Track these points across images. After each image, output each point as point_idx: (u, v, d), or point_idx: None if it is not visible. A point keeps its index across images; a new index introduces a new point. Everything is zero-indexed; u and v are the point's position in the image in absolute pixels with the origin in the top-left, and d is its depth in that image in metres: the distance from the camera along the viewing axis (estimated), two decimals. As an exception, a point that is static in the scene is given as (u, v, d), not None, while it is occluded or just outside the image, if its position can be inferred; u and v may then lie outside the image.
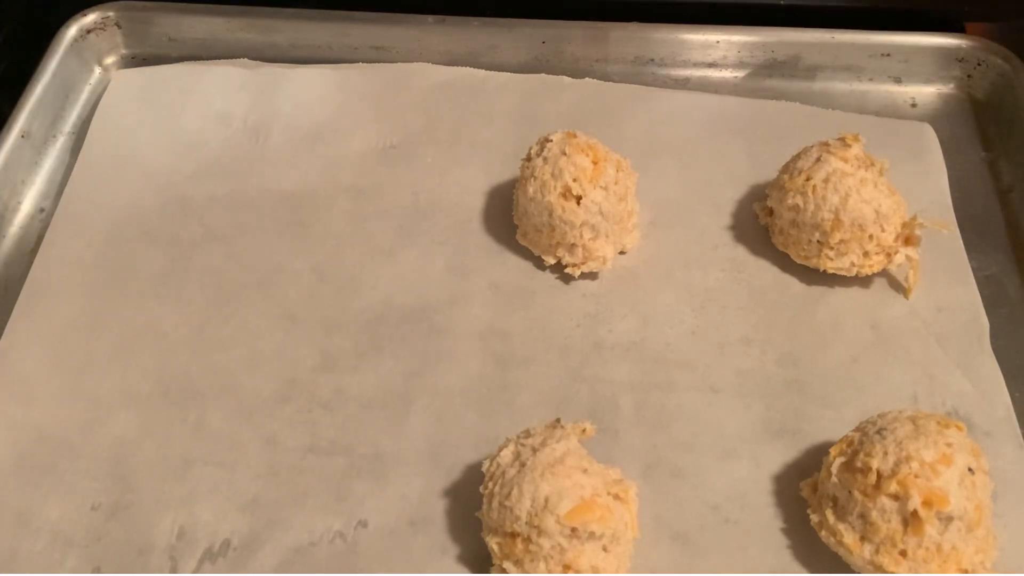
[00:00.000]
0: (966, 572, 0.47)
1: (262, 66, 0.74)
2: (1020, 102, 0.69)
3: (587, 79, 0.73)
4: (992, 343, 0.58)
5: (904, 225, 0.59)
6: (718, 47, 0.75)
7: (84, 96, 0.75)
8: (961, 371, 0.57)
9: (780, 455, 0.54)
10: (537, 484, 0.47)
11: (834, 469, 0.49)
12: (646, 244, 0.63)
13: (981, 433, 0.54)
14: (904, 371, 0.57)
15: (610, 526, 0.47)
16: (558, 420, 0.52)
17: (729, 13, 0.76)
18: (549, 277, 0.62)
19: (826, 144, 0.61)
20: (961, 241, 0.63)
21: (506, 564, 0.48)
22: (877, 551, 0.47)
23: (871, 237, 0.58)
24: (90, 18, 0.76)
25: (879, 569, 0.47)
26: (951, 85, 0.74)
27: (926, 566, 0.47)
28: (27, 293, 0.62)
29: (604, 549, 0.48)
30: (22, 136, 0.69)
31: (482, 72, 0.74)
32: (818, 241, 0.59)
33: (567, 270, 0.61)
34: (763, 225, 0.64)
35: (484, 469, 0.50)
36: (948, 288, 0.61)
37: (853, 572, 0.49)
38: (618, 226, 0.61)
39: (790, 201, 0.60)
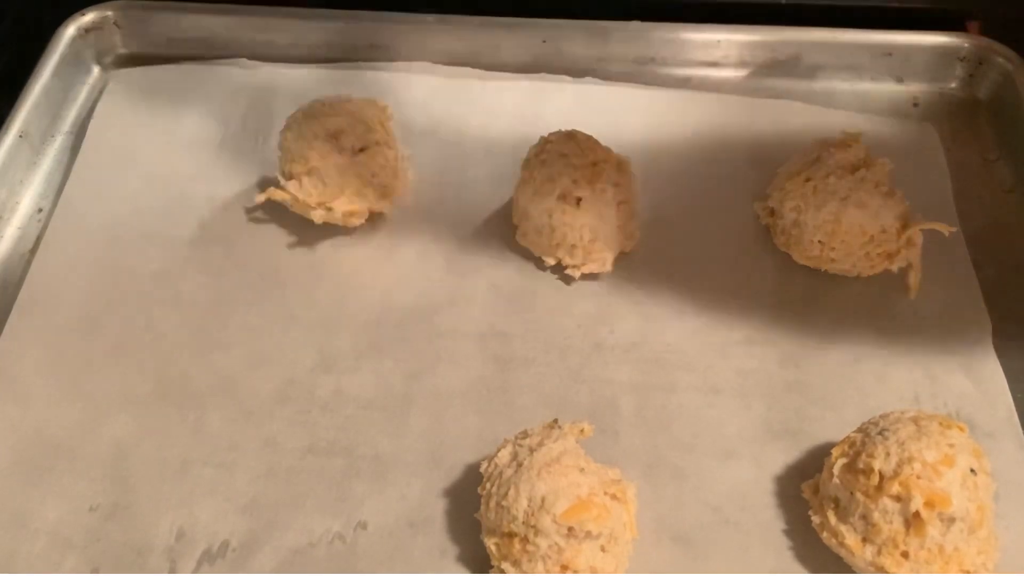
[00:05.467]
0: (968, 573, 0.47)
1: (261, 66, 0.74)
2: (1022, 101, 0.69)
3: (587, 79, 0.73)
4: (994, 343, 0.58)
5: (905, 225, 0.59)
6: (719, 46, 0.75)
7: (83, 96, 0.75)
8: (963, 372, 0.57)
9: (781, 456, 0.54)
10: (534, 484, 0.47)
11: (836, 470, 0.49)
12: (646, 244, 0.63)
13: (983, 434, 0.54)
14: (906, 372, 0.57)
15: (607, 526, 0.47)
16: (555, 420, 0.52)
17: (730, 12, 0.76)
18: (549, 278, 0.62)
19: (827, 144, 0.60)
20: (963, 241, 0.63)
21: (504, 565, 0.48)
22: (879, 552, 0.47)
23: (872, 238, 0.58)
24: (89, 17, 0.76)
25: (881, 570, 0.47)
26: (953, 84, 0.74)
27: (928, 567, 0.46)
28: (26, 293, 0.62)
29: (602, 549, 0.48)
30: (20, 136, 0.69)
31: (482, 72, 0.74)
32: (819, 241, 0.59)
33: (567, 271, 0.61)
34: (764, 225, 0.64)
35: (482, 470, 0.50)
36: (950, 288, 0.61)
37: (855, 573, 0.49)
38: (618, 227, 0.60)
39: (791, 201, 0.60)
